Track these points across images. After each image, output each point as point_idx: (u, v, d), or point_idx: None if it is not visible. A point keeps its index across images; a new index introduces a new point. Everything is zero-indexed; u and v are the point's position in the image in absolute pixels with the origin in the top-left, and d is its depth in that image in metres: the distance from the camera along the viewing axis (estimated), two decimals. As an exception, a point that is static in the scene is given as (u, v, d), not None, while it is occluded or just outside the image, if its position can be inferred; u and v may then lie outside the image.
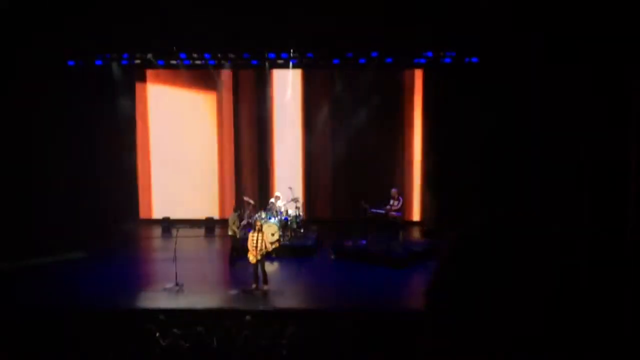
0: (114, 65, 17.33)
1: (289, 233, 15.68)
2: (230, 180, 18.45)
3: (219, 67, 17.56)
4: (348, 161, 18.15)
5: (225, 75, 17.97)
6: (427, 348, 1.25)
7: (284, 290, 12.75)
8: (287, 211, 15.95)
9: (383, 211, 15.14)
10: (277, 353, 8.53)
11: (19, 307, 11.34)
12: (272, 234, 14.70)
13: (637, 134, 13.15)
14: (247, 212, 16.10)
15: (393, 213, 14.90)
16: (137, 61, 17.32)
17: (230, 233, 13.95)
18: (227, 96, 18.15)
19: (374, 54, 16.68)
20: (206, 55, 17.02)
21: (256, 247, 12.38)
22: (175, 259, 12.59)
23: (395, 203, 14.97)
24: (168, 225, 17.19)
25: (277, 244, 12.66)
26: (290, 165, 18.29)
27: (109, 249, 15.33)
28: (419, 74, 17.64)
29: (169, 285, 12.58)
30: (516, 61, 15.25)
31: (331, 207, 18.38)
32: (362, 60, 16.94)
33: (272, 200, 16.16)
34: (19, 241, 14.78)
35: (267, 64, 17.38)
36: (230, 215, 14.19)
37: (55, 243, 15.09)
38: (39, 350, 8.70)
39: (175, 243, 12.78)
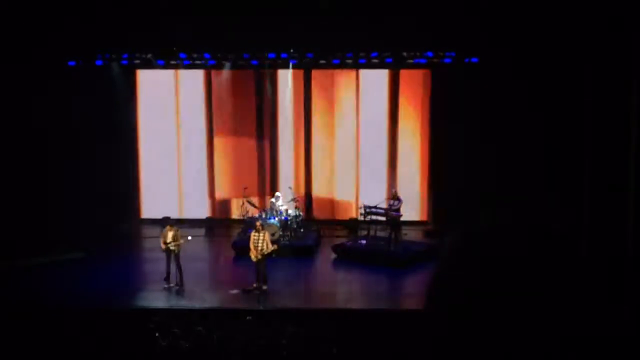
0: (114, 65, 17.32)
1: (289, 233, 15.66)
2: (231, 179, 18.44)
3: (219, 67, 17.54)
4: (350, 160, 18.12)
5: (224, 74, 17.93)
6: (427, 348, 1.25)
7: (284, 290, 12.74)
8: (287, 211, 15.93)
9: (383, 211, 15.13)
10: (277, 353, 8.52)
11: (18, 307, 11.33)
12: (273, 234, 14.68)
13: (637, 133, 13.15)
14: (247, 212, 16.12)
15: (393, 213, 14.88)
16: (137, 61, 17.34)
17: (169, 247, 12.62)
18: (227, 95, 18.12)
19: (374, 54, 16.68)
20: (206, 55, 17.02)
21: (257, 247, 12.38)
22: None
23: (395, 203, 14.95)
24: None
25: (276, 246, 12.56)
26: (291, 165, 18.28)
27: (109, 249, 15.32)
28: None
29: (169, 285, 12.58)
30: (518, 60, 15.25)
31: (331, 207, 18.36)
32: (362, 61, 16.93)
33: (272, 200, 16.16)
34: (19, 241, 14.75)
35: (267, 63, 17.36)
36: (165, 229, 12.80)
37: (55, 243, 15.07)
38: (39, 350, 8.70)
39: (178, 242, 12.77)
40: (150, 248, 15.56)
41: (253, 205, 16.50)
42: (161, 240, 12.70)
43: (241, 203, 16.94)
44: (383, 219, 15.21)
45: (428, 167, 17.86)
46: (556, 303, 1.19)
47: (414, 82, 17.72)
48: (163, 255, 12.64)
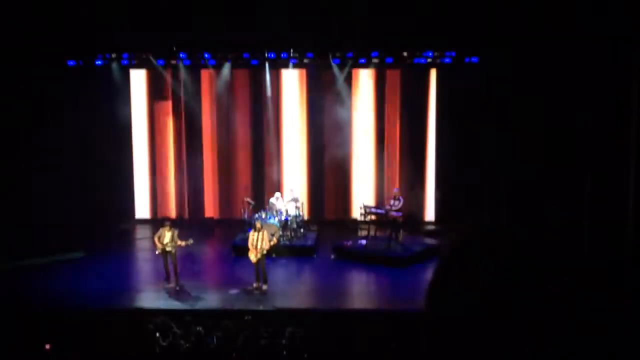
0: (114, 66, 17.31)
1: (289, 233, 15.66)
2: (230, 179, 18.44)
3: (219, 67, 17.53)
4: (351, 161, 18.11)
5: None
6: (427, 348, 1.25)
7: (284, 290, 12.74)
8: (287, 211, 15.91)
9: (383, 211, 15.12)
10: (277, 353, 8.53)
11: (18, 307, 11.33)
12: (272, 234, 14.67)
13: (637, 133, 13.16)
14: (247, 212, 16.11)
15: (393, 213, 14.88)
16: (137, 61, 17.35)
17: (165, 249, 12.45)
18: (227, 96, 18.10)
19: (374, 54, 16.68)
20: (206, 55, 17.02)
21: (256, 246, 12.37)
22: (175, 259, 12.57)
23: (396, 203, 14.95)
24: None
25: (275, 241, 12.57)
26: (292, 165, 18.27)
27: (109, 249, 15.32)
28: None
29: (169, 285, 12.58)
30: (520, 61, 15.26)
31: (332, 207, 18.35)
32: (362, 61, 16.93)
33: (273, 200, 16.15)
34: (19, 241, 14.76)
35: (267, 64, 17.35)
36: (160, 230, 12.60)
37: (55, 243, 15.07)
38: (39, 350, 8.70)
39: (176, 243, 12.76)
40: (150, 248, 15.57)
41: (251, 203, 16.48)
42: (156, 241, 12.56)
43: (241, 203, 16.96)
44: (383, 219, 15.20)
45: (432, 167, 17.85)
46: (556, 303, 1.19)
47: (416, 82, 17.69)
48: (160, 256, 12.63)
